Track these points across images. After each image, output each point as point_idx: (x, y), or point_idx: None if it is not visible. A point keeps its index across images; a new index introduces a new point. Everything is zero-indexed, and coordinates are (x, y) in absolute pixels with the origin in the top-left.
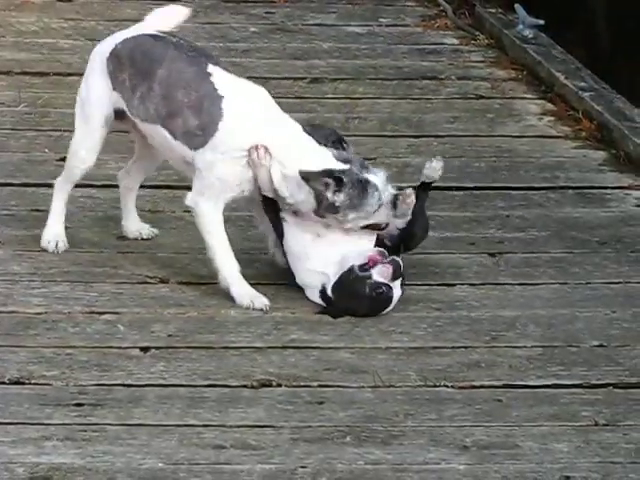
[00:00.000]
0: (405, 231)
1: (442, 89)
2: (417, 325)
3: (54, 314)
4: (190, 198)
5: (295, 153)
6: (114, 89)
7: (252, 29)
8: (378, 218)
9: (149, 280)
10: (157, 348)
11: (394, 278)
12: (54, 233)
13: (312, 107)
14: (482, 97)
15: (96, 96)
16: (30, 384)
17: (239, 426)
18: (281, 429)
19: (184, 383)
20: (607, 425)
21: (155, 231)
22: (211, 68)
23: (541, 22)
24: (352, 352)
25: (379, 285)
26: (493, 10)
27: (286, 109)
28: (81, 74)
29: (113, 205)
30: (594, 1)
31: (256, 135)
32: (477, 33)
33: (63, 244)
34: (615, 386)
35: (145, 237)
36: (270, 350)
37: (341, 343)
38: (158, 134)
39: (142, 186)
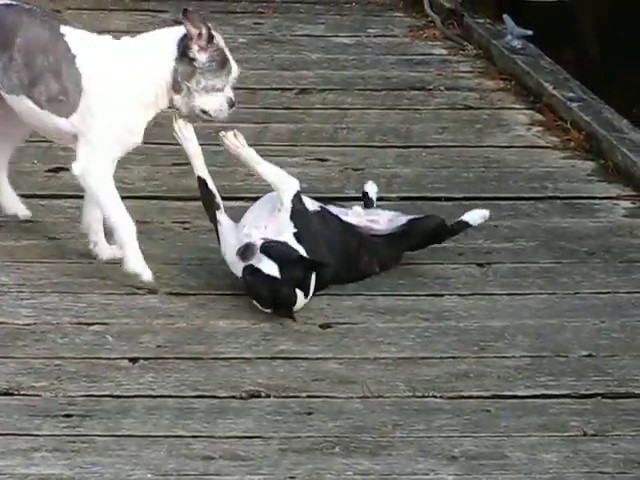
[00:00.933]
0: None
1: (430, 99)
2: (405, 335)
3: (43, 325)
4: (76, 166)
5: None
6: None
7: (240, 40)
8: (215, 100)
9: (138, 291)
10: (146, 359)
11: (245, 259)
12: None
13: (300, 118)
14: (470, 107)
15: None
16: (19, 395)
17: (228, 437)
18: (270, 440)
19: (173, 394)
20: (596, 435)
21: (29, 214)
22: (63, 29)
23: (529, 32)
24: (340, 363)
25: (243, 274)
26: (481, 20)
27: (274, 120)
28: None
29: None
30: (582, 11)
31: (117, 77)
32: (465, 43)
33: None
34: (604, 396)
35: (21, 218)
36: (259, 361)
37: (329, 354)
38: (25, 105)
39: (130, 197)
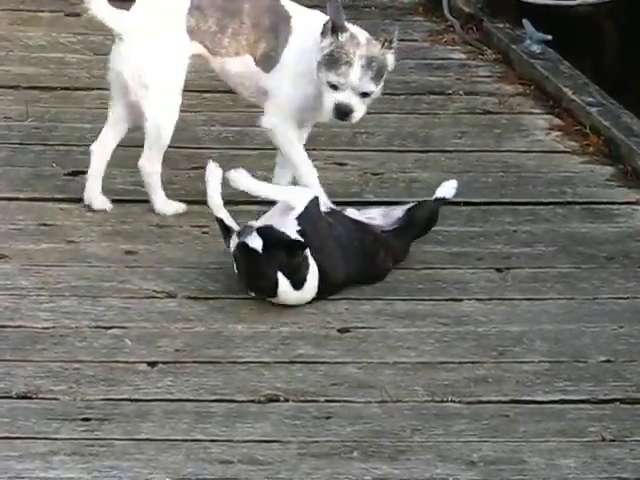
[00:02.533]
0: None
1: (449, 104)
2: (424, 340)
3: (62, 329)
4: (264, 120)
5: None
6: (192, 40)
7: None
8: (327, 98)
9: (156, 295)
10: (164, 363)
11: (240, 236)
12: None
13: (319, 122)
14: (489, 112)
15: (173, 53)
16: (37, 398)
17: (246, 441)
18: (288, 444)
19: (191, 398)
20: (614, 441)
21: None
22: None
23: (549, 37)
24: (359, 367)
25: (234, 251)
26: (501, 25)
27: None
28: (89, 88)
29: (121, 220)
30: (602, 16)
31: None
32: (485, 48)
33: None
34: (622, 401)
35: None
36: (277, 365)
37: (348, 358)
38: (243, 64)
39: (149, 200)
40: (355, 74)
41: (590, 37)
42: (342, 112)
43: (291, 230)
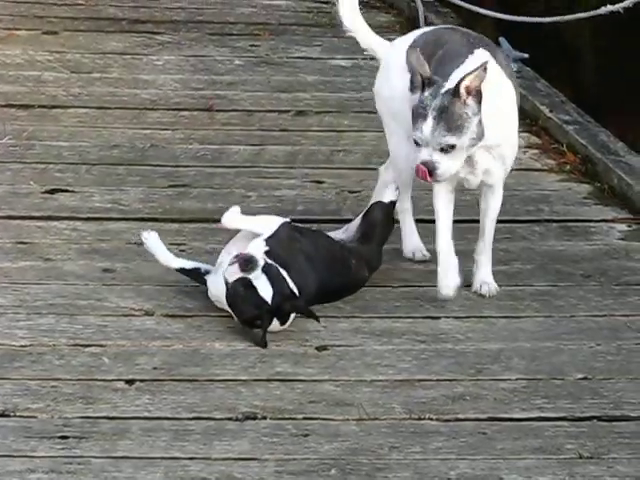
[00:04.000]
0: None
1: None
2: (402, 358)
3: (39, 346)
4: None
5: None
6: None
7: (237, 62)
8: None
9: (134, 313)
10: (142, 381)
11: (244, 270)
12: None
13: (297, 140)
14: None
15: (400, 90)
16: (15, 416)
17: (224, 459)
18: (266, 462)
19: (169, 416)
20: (591, 458)
21: (427, 255)
22: (480, 51)
23: (525, 55)
24: (337, 385)
25: (234, 282)
26: None
27: (271, 142)
28: (66, 106)
29: (98, 237)
30: (578, 34)
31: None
32: None
33: (421, 254)
34: (599, 419)
35: (417, 259)
36: (255, 383)
37: (326, 376)
38: None
39: (126, 218)
40: (427, 128)
41: (567, 55)
42: (418, 174)
43: (259, 250)
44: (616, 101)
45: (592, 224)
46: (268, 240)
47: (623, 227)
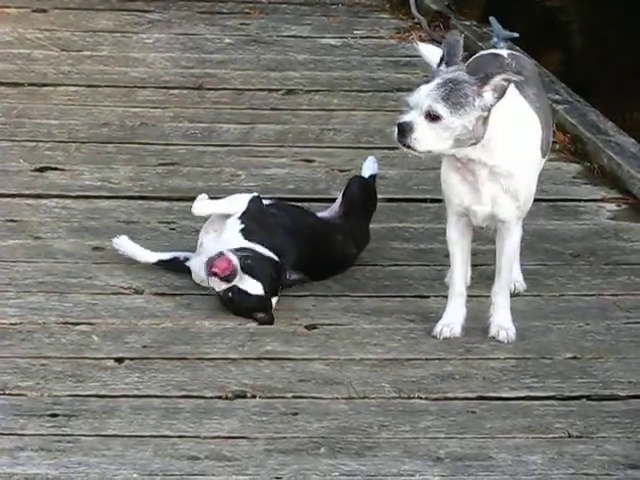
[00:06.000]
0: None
1: None
2: (391, 337)
3: (29, 325)
4: None
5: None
6: None
7: (227, 40)
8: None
9: (124, 291)
10: (132, 359)
11: (228, 281)
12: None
13: (287, 119)
14: None
15: None
16: (4, 395)
17: (213, 437)
18: (255, 440)
19: (159, 394)
20: (580, 437)
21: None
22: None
23: (515, 35)
24: (326, 364)
25: (224, 292)
26: (468, 23)
27: (261, 120)
28: (56, 84)
29: (88, 216)
30: (569, 14)
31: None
32: None
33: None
34: (588, 398)
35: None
36: (244, 361)
37: (315, 355)
38: None
39: (116, 197)
40: (425, 89)
41: (557, 35)
42: (400, 130)
43: (235, 230)
44: (605, 81)
45: (581, 204)
46: (242, 217)
47: (612, 207)
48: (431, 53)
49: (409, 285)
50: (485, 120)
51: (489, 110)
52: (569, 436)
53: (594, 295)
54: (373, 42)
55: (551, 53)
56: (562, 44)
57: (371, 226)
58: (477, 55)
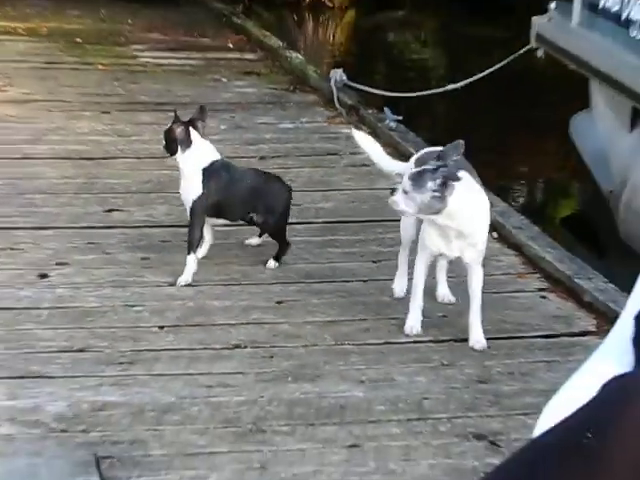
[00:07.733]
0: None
1: (341, 161)
2: (331, 307)
3: (103, 307)
4: None
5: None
6: None
7: (222, 126)
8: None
9: (161, 284)
10: (169, 326)
11: None
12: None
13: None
14: (365, 165)
15: None
16: (90, 351)
17: (221, 373)
18: (248, 374)
19: (186, 347)
20: (448, 365)
21: (452, 299)
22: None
23: (400, 117)
24: (290, 325)
25: None
26: (370, 111)
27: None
28: (116, 157)
29: (138, 238)
30: (435, 102)
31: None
32: (361, 125)
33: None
34: (455, 341)
35: (446, 302)
36: (240, 325)
37: (283, 319)
38: None
39: (156, 226)
40: (409, 173)
41: (426, 117)
42: (391, 193)
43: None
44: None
45: None
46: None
47: None
48: (360, 137)
49: (342, 275)
50: (441, 198)
51: (441, 191)
52: (442, 365)
53: None
54: (313, 125)
55: (422, 129)
56: (430, 123)
57: (319, 239)
58: (426, 150)
